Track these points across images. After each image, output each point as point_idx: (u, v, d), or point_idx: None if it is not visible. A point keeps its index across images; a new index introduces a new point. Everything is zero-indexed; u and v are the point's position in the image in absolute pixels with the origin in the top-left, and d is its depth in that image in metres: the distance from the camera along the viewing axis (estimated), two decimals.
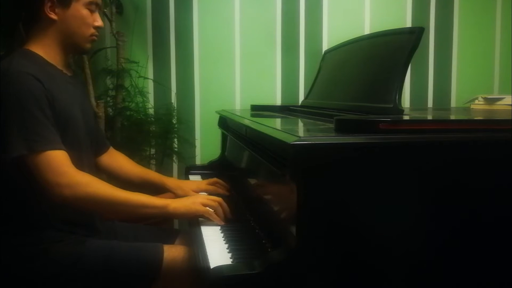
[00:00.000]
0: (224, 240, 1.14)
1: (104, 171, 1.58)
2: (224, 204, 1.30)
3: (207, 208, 1.27)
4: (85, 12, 1.33)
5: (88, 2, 1.33)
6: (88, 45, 1.39)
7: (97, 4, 1.37)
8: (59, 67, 1.35)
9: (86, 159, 1.37)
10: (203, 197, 1.32)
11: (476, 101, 2.03)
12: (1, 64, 1.23)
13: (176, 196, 1.51)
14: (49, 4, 1.29)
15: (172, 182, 1.58)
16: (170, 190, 1.55)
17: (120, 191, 1.24)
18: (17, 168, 1.18)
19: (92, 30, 1.36)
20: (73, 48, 1.38)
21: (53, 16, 1.30)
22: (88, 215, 1.35)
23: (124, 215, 1.42)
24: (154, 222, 1.82)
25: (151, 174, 1.62)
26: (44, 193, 1.17)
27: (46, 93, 1.21)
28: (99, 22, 1.37)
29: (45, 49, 1.32)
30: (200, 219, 1.29)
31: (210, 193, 1.49)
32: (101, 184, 1.23)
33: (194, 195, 1.38)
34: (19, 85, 1.17)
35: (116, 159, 1.61)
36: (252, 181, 1.43)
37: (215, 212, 1.28)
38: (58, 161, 1.17)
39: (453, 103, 2.65)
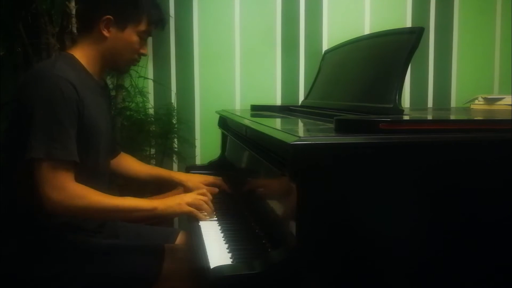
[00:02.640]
0: (224, 240, 1.14)
1: (114, 172, 1.63)
2: (210, 203, 1.34)
3: (192, 208, 1.30)
4: (136, 38, 1.37)
5: (143, 31, 1.37)
6: (127, 69, 1.46)
7: (149, 34, 1.41)
8: (95, 77, 1.37)
9: (102, 165, 1.39)
10: (189, 196, 1.35)
11: (476, 101, 2.02)
12: (45, 65, 1.26)
13: (186, 187, 1.58)
14: (105, 21, 1.32)
15: (180, 175, 1.65)
16: (180, 183, 1.61)
17: (112, 198, 1.25)
18: (28, 168, 1.19)
19: (136, 56, 1.41)
20: (112, 66, 1.43)
21: (106, 33, 1.33)
22: None
23: (119, 220, 1.49)
24: (155, 222, 1.82)
25: (159, 170, 1.71)
26: (39, 201, 1.18)
27: (78, 101, 1.23)
28: (145, 50, 1.42)
29: (88, 59, 1.34)
30: (200, 220, 1.29)
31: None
32: (94, 194, 1.23)
33: (182, 195, 1.42)
34: (56, 89, 1.19)
35: (125, 160, 1.65)
36: (252, 181, 1.43)
37: (202, 208, 1.31)
38: (62, 175, 1.18)
39: (453, 103, 2.65)
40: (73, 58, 1.32)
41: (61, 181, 1.18)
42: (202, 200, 1.33)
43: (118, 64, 1.42)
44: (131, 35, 1.36)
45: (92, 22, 1.33)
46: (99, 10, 1.32)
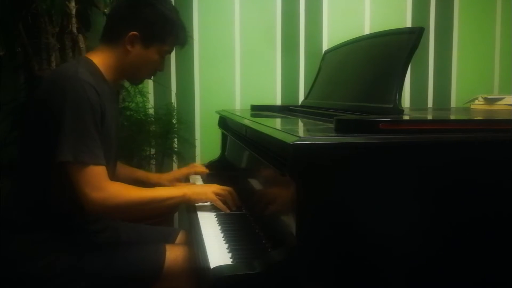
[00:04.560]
0: (224, 240, 1.14)
1: None
2: (234, 193, 1.40)
3: (217, 197, 1.36)
4: (157, 57, 1.39)
5: (165, 51, 1.39)
6: (141, 82, 1.49)
7: (170, 53, 1.43)
8: (110, 84, 1.38)
9: (111, 169, 1.39)
10: (215, 187, 1.40)
11: (476, 101, 2.03)
12: (67, 68, 1.27)
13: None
14: (131, 37, 1.33)
15: (154, 176, 1.74)
16: (155, 184, 1.67)
17: (145, 190, 1.29)
18: (56, 171, 1.20)
19: (151, 72, 1.44)
20: (128, 77, 1.44)
21: (129, 48, 1.34)
22: (93, 216, 1.37)
23: (153, 212, 1.54)
24: (156, 221, 1.83)
25: (137, 172, 1.74)
26: (79, 202, 1.20)
27: (101, 107, 1.24)
28: (161, 68, 1.45)
29: (106, 67, 1.35)
30: (200, 220, 1.30)
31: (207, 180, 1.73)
32: (130, 189, 1.26)
33: (209, 185, 1.47)
34: (83, 94, 1.20)
35: None
36: (252, 181, 1.43)
37: (225, 199, 1.37)
38: (98, 176, 1.20)
39: (453, 103, 2.65)
40: (92, 64, 1.32)
41: (99, 181, 1.20)
42: (227, 190, 1.39)
43: (134, 77, 1.44)
44: (153, 53, 1.37)
45: (118, 34, 1.34)
46: (128, 25, 1.33)
